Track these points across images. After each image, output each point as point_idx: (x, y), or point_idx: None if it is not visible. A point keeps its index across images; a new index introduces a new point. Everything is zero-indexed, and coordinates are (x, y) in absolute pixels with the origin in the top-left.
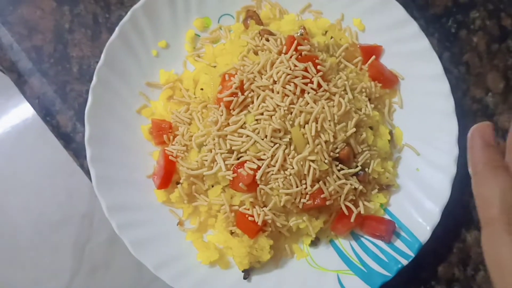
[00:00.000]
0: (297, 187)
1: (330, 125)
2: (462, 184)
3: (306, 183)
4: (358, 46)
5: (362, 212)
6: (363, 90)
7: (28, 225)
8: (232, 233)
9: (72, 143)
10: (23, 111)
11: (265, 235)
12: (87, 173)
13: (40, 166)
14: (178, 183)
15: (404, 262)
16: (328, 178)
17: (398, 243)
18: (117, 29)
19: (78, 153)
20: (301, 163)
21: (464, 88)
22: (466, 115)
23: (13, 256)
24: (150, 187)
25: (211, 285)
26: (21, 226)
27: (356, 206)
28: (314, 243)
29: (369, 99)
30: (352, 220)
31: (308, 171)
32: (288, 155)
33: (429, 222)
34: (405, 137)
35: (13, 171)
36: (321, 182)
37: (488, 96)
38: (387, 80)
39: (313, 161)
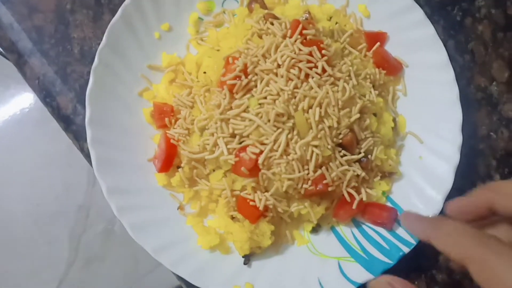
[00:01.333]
0: (299, 172)
1: (334, 110)
2: (465, 172)
3: (308, 169)
4: (362, 32)
5: (364, 199)
6: (368, 76)
7: (24, 216)
8: (233, 218)
9: (72, 125)
10: (21, 101)
11: (266, 220)
12: (87, 156)
13: (37, 157)
14: (179, 167)
15: (406, 250)
16: (330, 164)
17: (400, 231)
18: (120, 10)
19: (78, 135)
20: (304, 148)
21: (468, 77)
22: (470, 104)
23: (9, 246)
24: (151, 170)
25: (211, 270)
26: (17, 216)
27: (358, 193)
28: (315, 229)
29: (373, 86)
30: (354, 207)
31: (311, 157)
32: (291, 140)
33: (432, 210)
34: (409, 125)
35: (10, 161)
36: (323, 168)
37: (492, 85)
38: (392, 67)
39: (316, 146)
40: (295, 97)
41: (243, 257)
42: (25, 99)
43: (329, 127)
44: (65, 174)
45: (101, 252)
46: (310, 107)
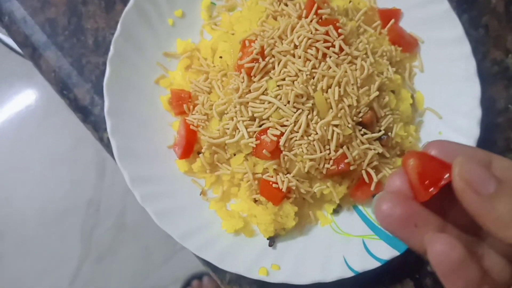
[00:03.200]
0: (321, 152)
1: (353, 89)
2: (485, 146)
3: (329, 148)
4: (376, 10)
5: (379, 180)
6: (384, 54)
7: (34, 214)
8: (256, 201)
9: (90, 116)
10: (25, 98)
11: (290, 201)
12: (107, 146)
13: (43, 154)
14: (199, 152)
15: None
16: (352, 143)
17: None
18: None
19: (97, 126)
20: (325, 128)
21: (483, 51)
22: (486, 78)
23: (21, 246)
24: (171, 157)
25: (237, 253)
26: (27, 215)
27: (379, 172)
28: (336, 210)
29: (390, 63)
30: (372, 188)
31: (332, 136)
32: (311, 121)
33: None
34: (427, 101)
35: (16, 160)
36: (344, 147)
37: (508, 58)
38: (407, 44)
39: (336, 125)
40: (313, 78)
41: (267, 239)
42: (29, 97)
43: (349, 106)
44: (72, 170)
45: (113, 246)
46: (329, 86)
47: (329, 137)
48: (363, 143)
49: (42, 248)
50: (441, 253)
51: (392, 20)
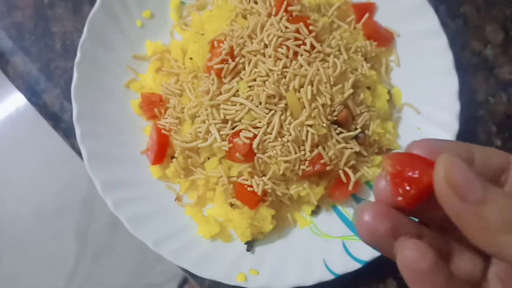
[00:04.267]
0: (295, 153)
1: (326, 87)
2: (465, 140)
3: (304, 149)
4: (350, 4)
5: (357, 180)
6: (358, 49)
7: (29, 214)
8: (232, 205)
9: (61, 122)
10: (14, 99)
11: (266, 205)
12: (79, 153)
13: (35, 154)
14: (173, 157)
15: None
16: (327, 142)
17: None
18: (98, 0)
19: (68, 133)
20: (299, 128)
21: (462, 42)
22: (466, 70)
23: (16, 246)
24: (144, 163)
25: (213, 259)
26: (22, 216)
27: (356, 171)
28: (315, 211)
29: (365, 59)
30: (350, 188)
31: (306, 137)
32: (285, 121)
33: None
34: (404, 96)
35: (8, 161)
36: (320, 147)
37: (487, 49)
38: (383, 38)
39: (310, 125)
40: (285, 77)
41: (245, 243)
42: (18, 98)
43: (323, 105)
44: (65, 169)
45: (109, 245)
46: (302, 86)
47: (304, 138)
48: (339, 142)
49: (38, 248)
50: (411, 260)
51: (367, 14)
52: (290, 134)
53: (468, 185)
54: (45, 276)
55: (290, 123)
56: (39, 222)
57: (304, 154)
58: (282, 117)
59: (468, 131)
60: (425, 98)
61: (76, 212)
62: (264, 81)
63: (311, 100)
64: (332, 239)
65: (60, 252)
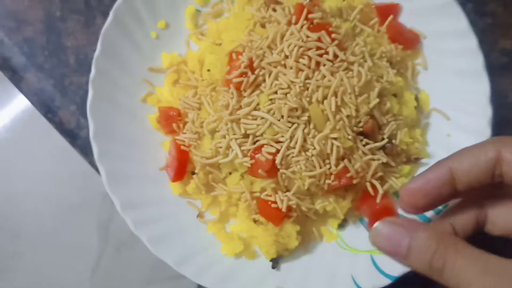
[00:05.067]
0: (320, 168)
1: (351, 98)
2: None
3: (330, 163)
4: (373, 6)
5: (385, 192)
6: (383, 55)
7: (50, 211)
8: (255, 221)
9: (77, 139)
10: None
11: (291, 221)
12: (97, 170)
13: (51, 151)
14: (193, 173)
15: None
16: (353, 155)
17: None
18: (111, 13)
19: (85, 149)
20: (323, 142)
21: (491, 41)
22: (495, 70)
23: (39, 242)
24: (164, 179)
25: (237, 277)
26: (43, 212)
27: (384, 182)
28: (341, 225)
29: (390, 64)
30: (378, 200)
31: (331, 150)
32: (308, 135)
33: None
34: (432, 101)
35: (26, 160)
36: (346, 160)
37: None
38: (408, 40)
39: (335, 138)
40: (307, 89)
41: (270, 261)
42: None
43: (348, 116)
44: (84, 164)
45: (130, 239)
46: (325, 97)
47: (329, 151)
48: (365, 154)
49: (61, 243)
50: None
51: (391, 16)
52: (314, 148)
53: (391, 251)
54: (67, 271)
55: (314, 137)
56: (61, 218)
57: (330, 168)
58: (306, 131)
59: (499, 135)
60: (455, 102)
61: (97, 206)
62: (285, 94)
63: (335, 112)
64: (360, 253)
65: (83, 247)
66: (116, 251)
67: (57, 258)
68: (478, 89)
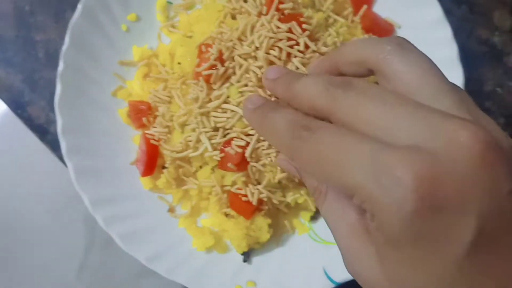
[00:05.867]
0: None
1: None
2: None
3: None
4: None
5: None
6: None
7: (36, 206)
8: (227, 215)
9: (47, 135)
10: None
11: (262, 214)
12: (66, 166)
13: (35, 149)
14: (163, 167)
15: None
16: None
17: None
18: (79, 5)
19: (55, 145)
20: None
21: (468, 29)
22: (472, 59)
23: (24, 238)
24: (135, 174)
25: (209, 272)
26: (29, 207)
27: None
28: (314, 217)
29: None
30: None
31: None
32: None
33: None
34: None
35: (4, 158)
36: None
37: (495, 36)
38: (382, 31)
39: None
40: None
41: (241, 254)
42: None
43: None
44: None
45: None
46: None
47: None
48: None
49: (47, 239)
50: None
51: (365, 6)
52: None
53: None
54: (55, 267)
55: None
56: (47, 213)
57: None
58: None
59: None
60: None
61: (84, 203)
62: (255, 86)
63: None
64: (332, 246)
65: (70, 242)
66: (103, 246)
67: (45, 255)
68: (452, 78)
